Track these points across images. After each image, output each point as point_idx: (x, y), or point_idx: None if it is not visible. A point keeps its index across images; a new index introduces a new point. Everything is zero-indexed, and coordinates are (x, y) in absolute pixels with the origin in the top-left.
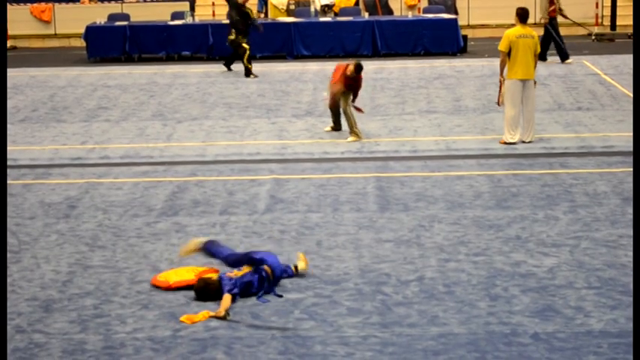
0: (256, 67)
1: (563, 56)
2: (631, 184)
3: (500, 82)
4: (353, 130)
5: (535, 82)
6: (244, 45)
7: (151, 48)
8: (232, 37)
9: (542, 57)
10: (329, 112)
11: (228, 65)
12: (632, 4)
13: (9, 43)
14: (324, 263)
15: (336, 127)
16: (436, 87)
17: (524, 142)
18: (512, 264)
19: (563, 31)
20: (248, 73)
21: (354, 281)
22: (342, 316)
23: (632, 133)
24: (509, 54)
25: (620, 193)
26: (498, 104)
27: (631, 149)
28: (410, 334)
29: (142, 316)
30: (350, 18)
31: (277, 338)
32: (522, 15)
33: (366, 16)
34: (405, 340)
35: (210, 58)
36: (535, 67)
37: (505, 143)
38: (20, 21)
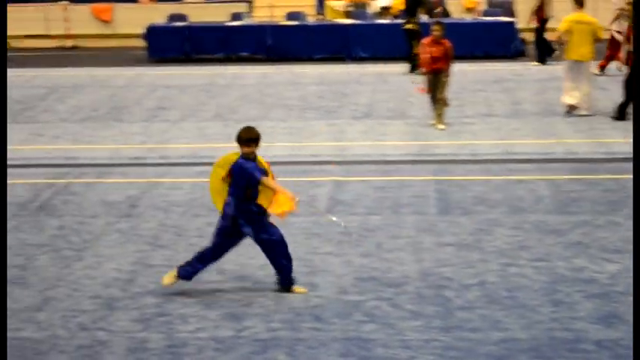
0: (314, 68)
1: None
2: None
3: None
4: (442, 120)
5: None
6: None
7: (209, 49)
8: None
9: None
10: (389, 115)
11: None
12: None
13: (70, 43)
14: (385, 266)
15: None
16: (495, 90)
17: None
18: (574, 270)
19: None
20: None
21: (414, 284)
22: (404, 320)
23: None
24: None
25: None
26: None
27: None
28: (472, 339)
29: (204, 316)
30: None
31: (339, 340)
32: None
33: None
34: (467, 345)
35: (269, 59)
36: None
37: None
38: (81, 20)
